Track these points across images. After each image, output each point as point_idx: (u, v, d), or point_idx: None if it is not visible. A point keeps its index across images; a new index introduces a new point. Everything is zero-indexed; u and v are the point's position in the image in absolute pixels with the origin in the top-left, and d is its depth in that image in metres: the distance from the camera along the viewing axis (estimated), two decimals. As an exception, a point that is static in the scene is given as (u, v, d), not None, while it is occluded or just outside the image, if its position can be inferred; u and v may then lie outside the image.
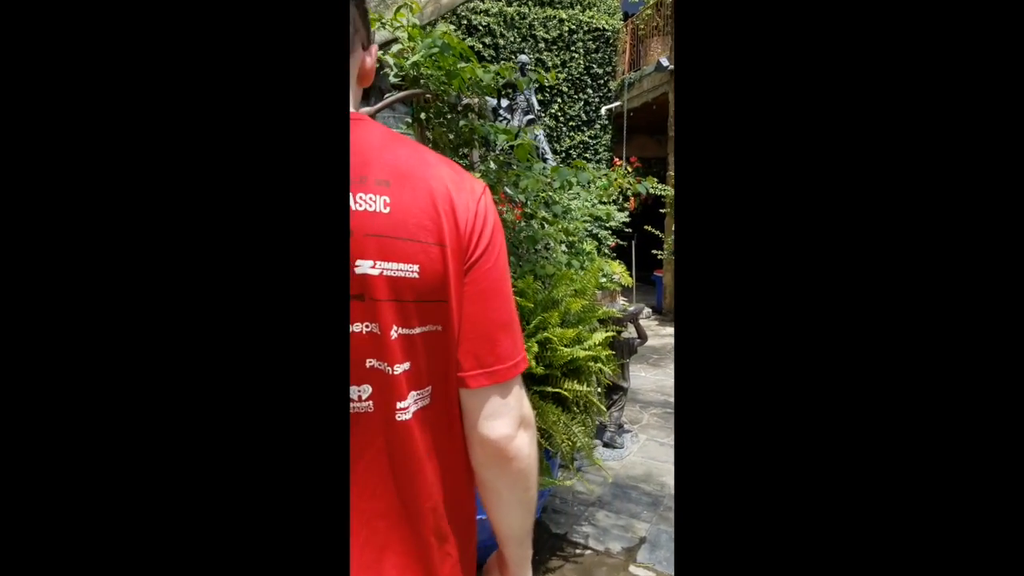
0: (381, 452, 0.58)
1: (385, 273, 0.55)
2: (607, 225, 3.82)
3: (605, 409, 2.04)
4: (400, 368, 0.57)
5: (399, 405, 0.57)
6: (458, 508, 0.66)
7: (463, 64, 1.59)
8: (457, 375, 0.60)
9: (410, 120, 1.91)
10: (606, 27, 8.05)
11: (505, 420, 0.61)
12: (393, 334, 0.56)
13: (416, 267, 0.55)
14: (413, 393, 0.60)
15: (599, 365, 1.77)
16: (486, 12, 7.39)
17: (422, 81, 1.72)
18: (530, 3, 7.80)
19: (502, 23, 7.49)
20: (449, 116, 1.79)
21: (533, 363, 1.59)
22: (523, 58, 5.97)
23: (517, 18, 7.58)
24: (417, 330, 0.57)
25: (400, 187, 0.56)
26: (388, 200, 0.55)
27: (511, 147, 1.79)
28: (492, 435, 0.61)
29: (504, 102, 6.34)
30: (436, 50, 1.51)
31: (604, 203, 3.93)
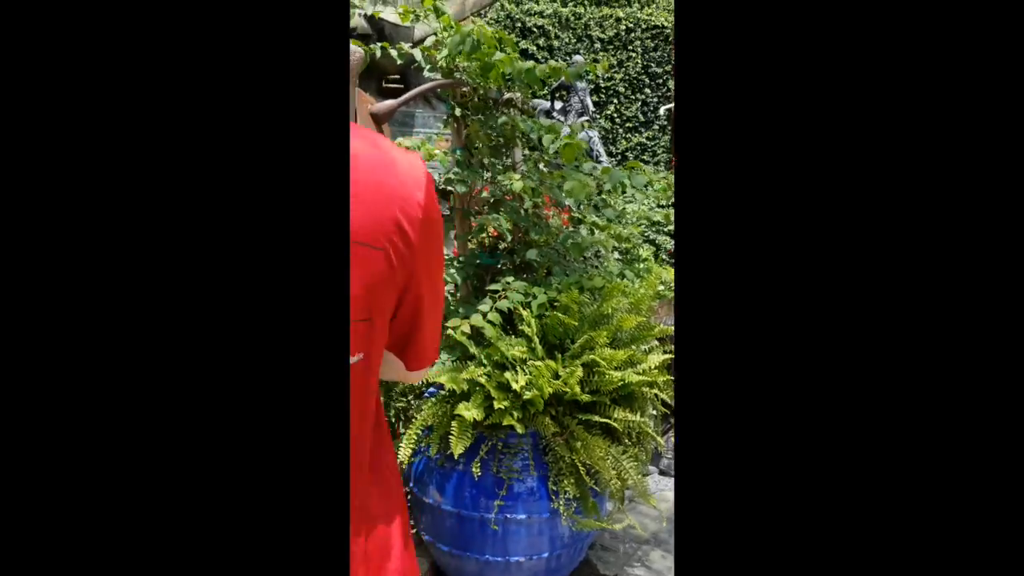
0: None
1: None
2: (666, 230, 3.57)
3: (660, 437, 1.81)
4: None
5: None
6: None
7: (500, 55, 1.42)
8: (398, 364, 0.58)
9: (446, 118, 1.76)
10: (665, 24, 7.72)
11: (424, 372, 0.62)
12: None
13: None
14: None
15: (655, 391, 1.55)
16: (540, 14, 7.24)
17: (456, 74, 1.57)
18: (586, 3, 7.60)
19: (556, 24, 7.32)
20: (488, 112, 1.63)
21: (577, 389, 1.39)
22: (578, 59, 5.78)
23: (572, 18, 7.39)
24: (352, 360, 0.44)
25: None
26: None
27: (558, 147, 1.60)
28: (412, 382, 0.64)
29: (558, 104, 6.17)
30: (464, 48, 1.35)
31: (663, 206, 3.68)
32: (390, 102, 1.17)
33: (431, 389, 1.70)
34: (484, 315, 1.44)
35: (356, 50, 1.07)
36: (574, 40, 7.40)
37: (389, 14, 2.09)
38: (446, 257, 2.14)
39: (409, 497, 1.99)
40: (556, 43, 7.30)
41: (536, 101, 6.36)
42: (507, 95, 1.72)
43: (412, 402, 1.93)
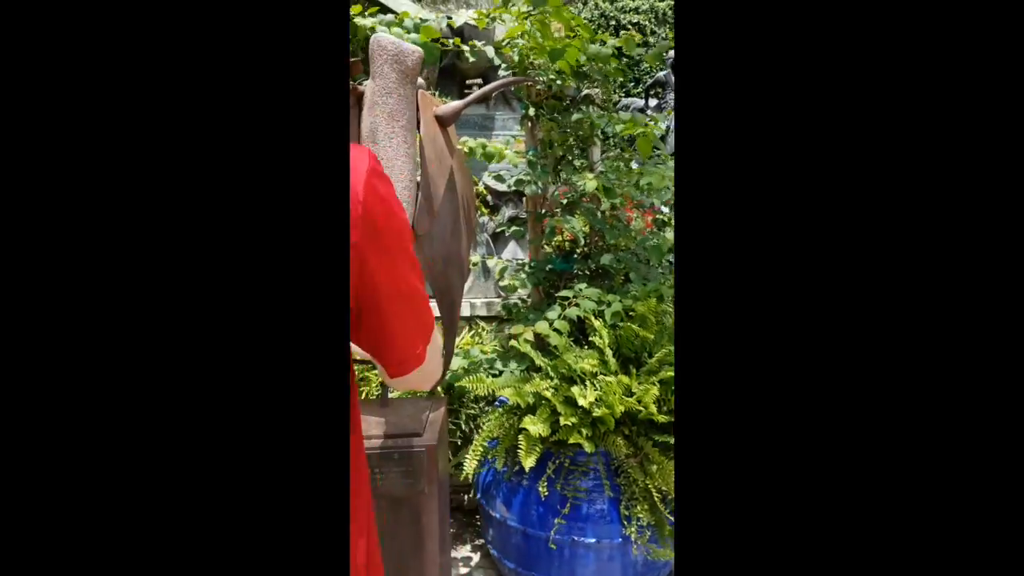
0: None
1: None
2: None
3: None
4: None
5: None
6: None
7: (571, 36, 1.34)
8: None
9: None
10: (773, 11, 7.19)
11: (421, 381, 0.57)
12: None
13: None
14: None
15: (744, 413, 1.39)
16: (635, 10, 7.02)
17: (530, 71, 1.51)
18: (684, -5, 7.26)
19: (653, 20, 7.06)
20: (563, 110, 1.55)
21: (653, 408, 1.27)
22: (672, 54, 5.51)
23: (669, 12, 7.09)
24: None
25: None
26: None
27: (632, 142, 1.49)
28: (412, 387, 0.60)
29: (652, 102, 5.93)
30: (533, 15, 1.27)
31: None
32: (455, 104, 1.13)
33: (502, 398, 1.65)
34: (551, 323, 1.36)
35: (415, 50, 1.02)
36: (671, 36, 7.09)
37: (468, 19, 2.08)
38: (519, 261, 2.08)
39: (477, 509, 1.95)
40: (652, 39, 7.03)
41: (629, 100, 6.15)
42: (585, 92, 1.63)
43: (484, 409, 1.89)
